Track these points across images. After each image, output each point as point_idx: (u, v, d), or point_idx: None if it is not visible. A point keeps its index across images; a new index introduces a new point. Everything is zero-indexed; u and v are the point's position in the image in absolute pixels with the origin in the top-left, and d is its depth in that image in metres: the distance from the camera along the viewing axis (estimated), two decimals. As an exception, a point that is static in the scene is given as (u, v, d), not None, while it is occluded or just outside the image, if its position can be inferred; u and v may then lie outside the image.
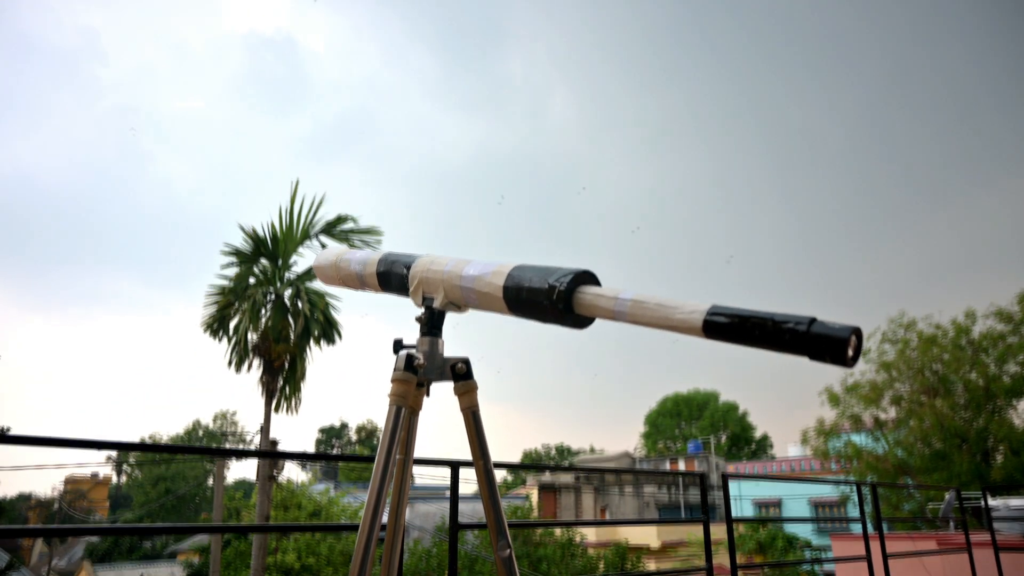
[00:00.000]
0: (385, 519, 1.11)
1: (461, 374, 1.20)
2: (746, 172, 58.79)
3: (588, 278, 1.03)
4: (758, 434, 46.95)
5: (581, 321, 1.03)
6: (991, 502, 11.81)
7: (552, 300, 1.01)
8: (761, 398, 64.80)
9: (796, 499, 29.37)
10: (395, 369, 1.16)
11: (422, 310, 1.24)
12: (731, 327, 0.82)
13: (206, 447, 2.10)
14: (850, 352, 0.73)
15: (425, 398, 1.24)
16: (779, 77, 57.51)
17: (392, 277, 1.31)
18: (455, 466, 2.06)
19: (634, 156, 64.90)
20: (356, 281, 1.41)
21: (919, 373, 20.08)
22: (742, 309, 0.82)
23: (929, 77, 48.35)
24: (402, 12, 69.79)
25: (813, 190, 56.15)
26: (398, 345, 1.22)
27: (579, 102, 65.61)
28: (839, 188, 54.07)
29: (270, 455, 2.02)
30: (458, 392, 1.20)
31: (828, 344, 0.73)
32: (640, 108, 62.81)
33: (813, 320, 0.75)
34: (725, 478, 2.91)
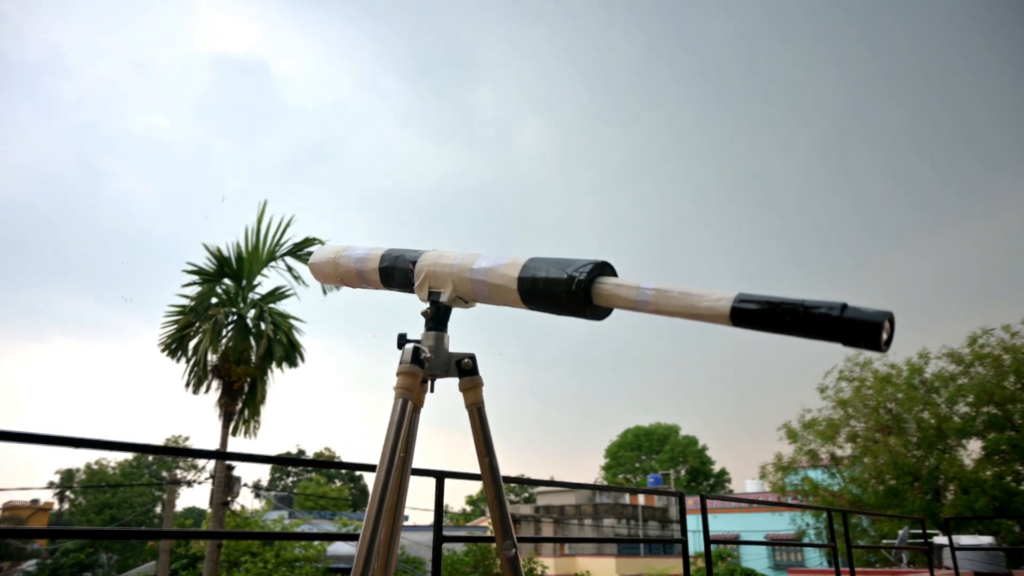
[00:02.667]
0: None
1: (467, 370, 1.18)
2: (709, 208, 60.10)
3: (607, 269, 1.03)
4: (717, 468, 47.26)
5: (599, 312, 1.03)
6: (941, 539, 12.04)
7: (571, 290, 1.01)
8: (721, 432, 65.42)
9: (754, 534, 29.50)
10: (401, 361, 1.14)
11: (427, 305, 1.22)
12: (760, 314, 0.82)
13: (179, 448, 2.02)
14: (884, 336, 0.74)
15: (428, 394, 1.21)
16: (741, 116, 59.27)
17: (396, 272, 1.30)
18: (440, 477, 2.02)
19: (602, 189, 65.90)
20: (356, 278, 1.39)
21: (874, 411, 20.52)
22: (771, 296, 0.82)
23: (886, 118, 50.30)
24: (374, 39, 70.33)
25: (772, 227, 57.60)
26: (403, 339, 1.20)
27: (548, 134, 66.57)
28: (798, 225, 55.57)
29: (242, 458, 1.96)
30: (463, 388, 1.18)
31: (862, 329, 0.74)
32: (607, 142, 64.02)
33: (845, 305, 0.76)
34: (703, 498, 2.91)
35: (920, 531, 16.41)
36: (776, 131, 56.78)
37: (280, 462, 1.95)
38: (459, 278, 1.18)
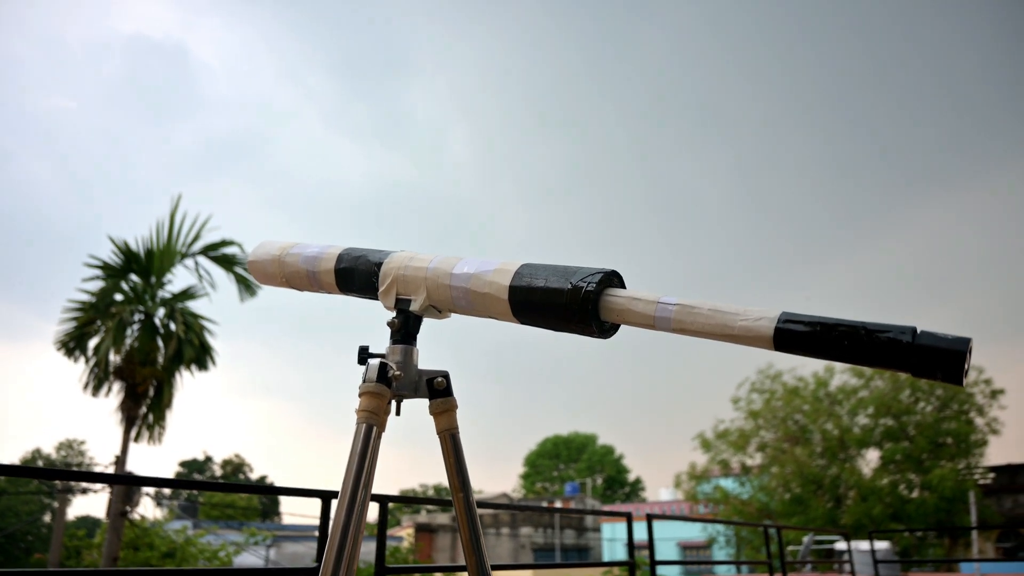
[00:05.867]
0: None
1: (440, 390, 1.03)
2: (634, 223, 61.48)
3: (616, 279, 0.90)
4: (632, 477, 48.23)
5: (606, 329, 0.90)
6: (842, 545, 12.62)
7: (577, 303, 0.87)
8: (638, 442, 66.82)
9: (665, 541, 30.18)
10: (365, 380, 0.98)
11: (393, 314, 1.06)
12: (811, 337, 0.71)
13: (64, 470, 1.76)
14: (965, 367, 0.64)
15: (394, 417, 1.05)
16: (666, 132, 60.99)
17: (356, 275, 1.12)
18: (383, 501, 1.84)
19: (529, 199, 66.37)
20: (305, 280, 1.21)
21: (783, 422, 21.38)
22: (824, 316, 0.71)
23: (803, 137, 52.89)
24: (301, 33, 68.43)
25: (695, 242, 59.47)
26: (364, 353, 1.03)
27: (479, 140, 66.54)
28: (720, 240, 57.58)
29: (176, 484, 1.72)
30: (435, 411, 1.03)
31: (940, 358, 0.64)
32: (537, 152, 64.56)
33: (916, 330, 0.66)
34: (650, 519, 2.84)
35: (826, 539, 17.18)
36: (699, 148, 58.73)
37: (190, 486, 1.73)
38: (435, 284, 1.02)
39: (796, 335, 0.72)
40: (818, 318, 0.71)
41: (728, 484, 22.66)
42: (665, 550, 29.89)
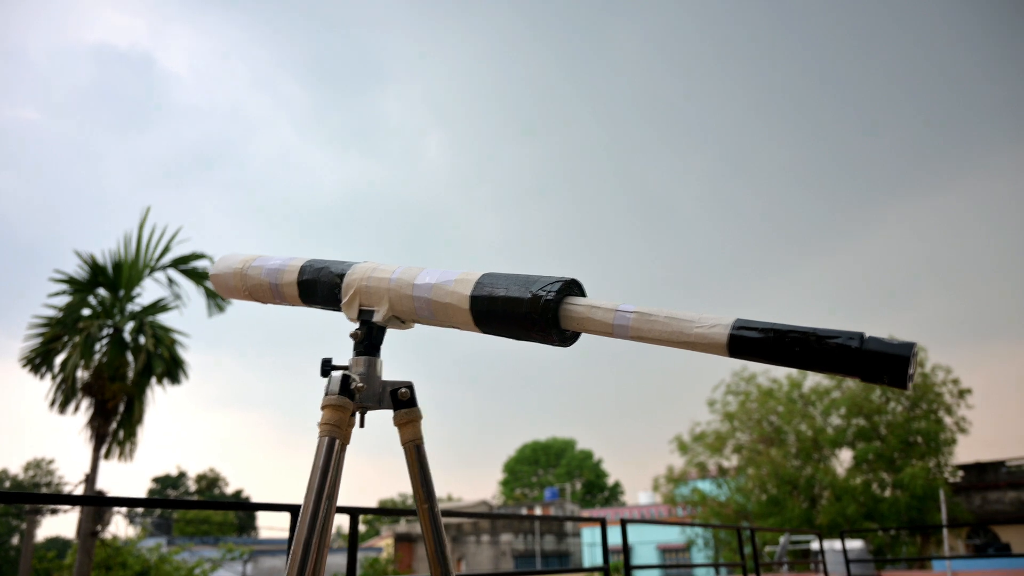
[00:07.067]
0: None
1: (404, 400, 1.03)
2: (609, 227, 61.82)
3: (575, 288, 0.91)
4: (611, 481, 48.34)
5: (566, 337, 0.91)
6: (817, 545, 12.79)
7: (537, 312, 0.88)
8: (616, 446, 67.02)
9: (645, 544, 30.26)
10: (328, 393, 0.97)
11: (356, 326, 1.06)
12: (764, 343, 0.72)
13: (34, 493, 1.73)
14: (911, 371, 0.65)
15: (357, 428, 1.04)
16: (640, 138, 61.52)
17: (319, 287, 1.12)
18: (354, 514, 1.82)
19: (505, 204, 66.48)
20: (268, 292, 1.20)
21: (758, 424, 21.59)
22: (776, 323, 0.73)
23: (773, 145, 53.69)
24: (271, 40, 68.00)
25: (670, 246, 59.98)
26: (327, 366, 1.02)
27: (453, 147, 66.55)
28: (695, 244, 58.13)
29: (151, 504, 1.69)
30: (399, 422, 1.03)
31: (886, 363, 0.65)
32: (512, 157, 64.73)
33: (863, 336, 0.67)
34: (624, 523, 2.85)
35: (802, 538, 17.36)
36: (675, 149, 59.34)
37: (165, 505, 1.69)
38: (397, 295, 1.02)
39: (749, 341, 0.73)
40: (771, 325, 0.73)
41: (705, 486, 22.80)
42: (645, 553, 29.98)
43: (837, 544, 12.83)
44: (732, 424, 22.07)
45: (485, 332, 0.96)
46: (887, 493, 19.26)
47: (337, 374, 0.99)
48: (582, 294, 0.92)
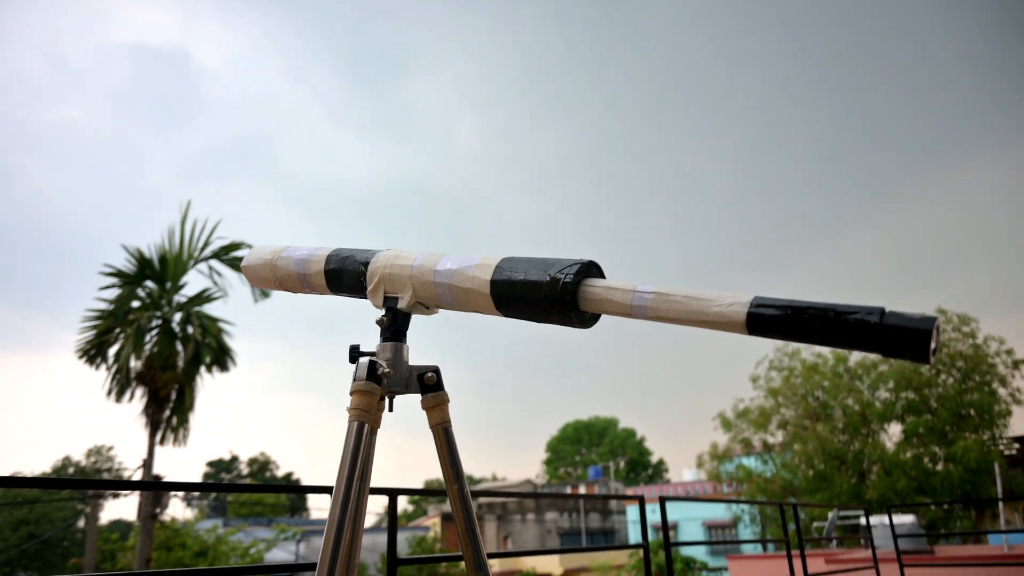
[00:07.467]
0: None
1: (430, 385, 1.05)
2: (645, 206, 61.17)
3: (594, 269, 0.91)
4: (655, 459, 48.25)
5: (586, 319, 0.91)
6: (871, 520, 12.56)
7: (555, 295, 0.88)
8: (659, 424, 66.80)
9: (691, 521, 30.21)
10: (355, 379, 1.00)
11: (382, 312, 1.08)
12: (782, 320, 0.71)
13: (96, 480, 1.81)
14: (932, 345, 0.64)
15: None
16: (673, 116, 60.54)
17: (345, 275, 1.15)
18: (393, 495, 1.86)
19: (537, 187, 66.20)
20: (297, 282, 1.23)
21: (803, 399, 21.25)
22: (795, 300, 0.72)
23: (808, 116, 52.30)
24: (303, 32, 68.56)
25: (706, 223, 59.12)
26: (355, 352, 1.05)
27: (484, 130, 66.43)
28: (731, 220, 57.19)
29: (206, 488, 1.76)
30: (427, 406, 1.05)
31: (907, 337, 0.64)
32: (543, 139, 64.34)
33: (884, 310, 0.66)
34: (663, 501, 2.86)
35: (851, 514, 17.11)
36: (705, 129, 58.26)
37: (219, 489, 1.76)
38: (420, 281, 1.04)
39: (768, 319, 0.72)
40: (789, 302, 0.72)
41: (750, 463, 22.60)
42: (691, 529, 29.94)
43: (887, 519, 12.61)
44: (776, 400, 21.77)
45: (507, 316, 0.97)
46: (939, 467, 18.82)
47: (364, 360, 1.01)
48: (601, 276, 0.92)
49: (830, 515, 16.89)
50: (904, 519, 13.06)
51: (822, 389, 21.06)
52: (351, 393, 0.99)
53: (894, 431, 20.31)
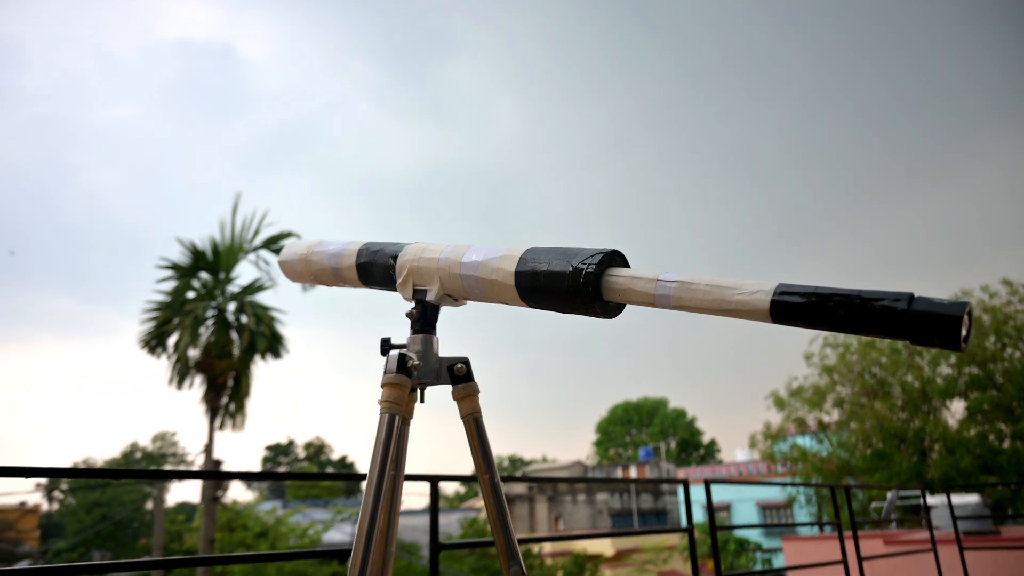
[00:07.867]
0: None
1: (460, 376, 1.06)
2: (688, 184, 60.12)
3: (617, 259, 0.91)
4: (706, 439, 47.76)
5: (610, 309, 0.91)
6: (931, 500, 12.20)
7: (578, 285, 0.88)
8: (710, 403, 66.09)
9: (744, 502, 29.87)
10: (386, 372, 1.01)
11: (412, 305, 1.09)
12: (807, 308, 0.69)
13: (156, 470, 1.89)
14: (963, 332, 0.62)
15: (418, 404, 1.09)
16: (714, 90, 59.13)
17: (375, 269, 1.16)
18: (435, 481, 1.90)
19: (580, 165, 65.68)
20: (331, 276, 1.26)
21: (859, 376, 20.70)
22: (820, 287, 0.70)
23: (857, 84, 50.41)
24: (343, 20, 69.15)
25: (751, 199, 57.78)
26: (386, 345, 1.06)
27: (524, 112, 66.10)
28: (777, 195, 55.76)
29: (243, 476, 1.82)
30: (457, 397, 1.06)
31: (937, 324, 0.62)
32: (583, 120, 63.67)
33: (913, 296, 0.64)
34: (708, 484, 2.83)
35: (911, 493, 16.67)
36: (748, 103, 56.76)
37: (272, 477, 1.83)
38: (447, 273, 1.05)
39: (792, 307, 0.70)
40: (814, 289, 0.70)
41: (805, 442, 22.15)
42: (745, 511, 29.62)
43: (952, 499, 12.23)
44: (831, 377, 21.25)
45: (532, 307, 0.97)
46: (1005, 444, 18.12)
47: (394, 353, 1.02)
48: (625, 264, 0.91)
49: (889, 495, 16.45)
50: (968, 499, 12.65)
51: (879, 365, 20.46)
52: (382, 386, 1.00)
53: (956, 408, 19.65)
